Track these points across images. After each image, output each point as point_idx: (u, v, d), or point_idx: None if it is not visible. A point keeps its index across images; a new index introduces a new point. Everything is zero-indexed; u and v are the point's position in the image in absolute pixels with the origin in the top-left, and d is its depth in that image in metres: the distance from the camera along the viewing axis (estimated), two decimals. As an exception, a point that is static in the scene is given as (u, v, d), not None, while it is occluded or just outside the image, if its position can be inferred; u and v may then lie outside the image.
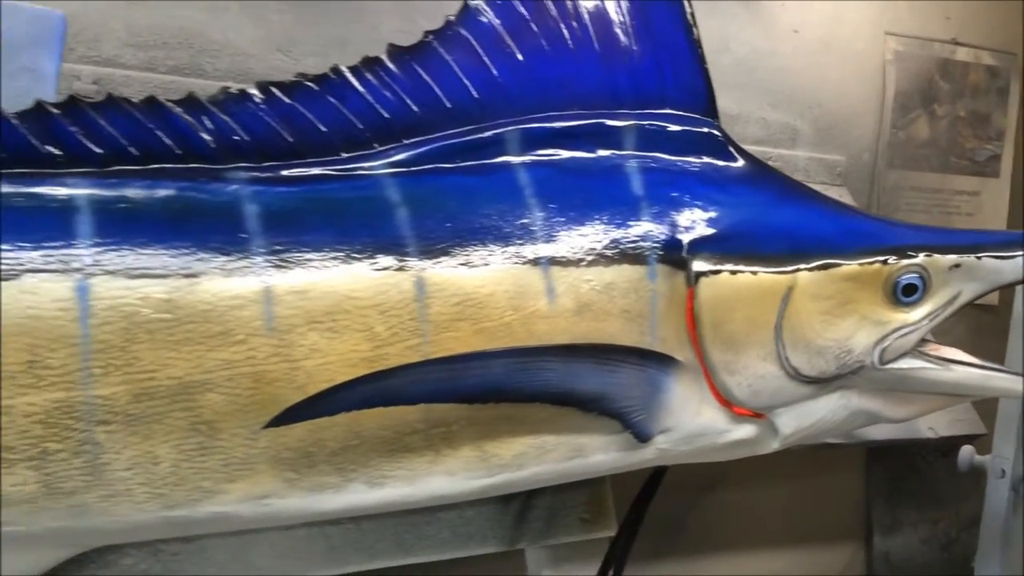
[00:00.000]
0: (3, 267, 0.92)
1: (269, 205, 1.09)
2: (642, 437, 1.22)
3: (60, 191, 1.00)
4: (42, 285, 0.93)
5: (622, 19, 1.30)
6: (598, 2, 1.29)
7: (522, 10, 1.26)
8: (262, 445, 1.03)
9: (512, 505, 1.41)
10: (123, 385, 0.96)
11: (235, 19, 2.25)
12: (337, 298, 1.05)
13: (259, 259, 1.03)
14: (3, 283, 0.92)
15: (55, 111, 1.04)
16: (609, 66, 1.30)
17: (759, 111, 2.24)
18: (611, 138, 1.29)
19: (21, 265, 0.93)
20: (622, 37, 1.29)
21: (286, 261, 1.05)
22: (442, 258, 1.11)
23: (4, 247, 0.93)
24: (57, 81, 1.29)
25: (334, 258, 1.07)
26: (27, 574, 1.05)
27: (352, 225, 1.11)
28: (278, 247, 1.05)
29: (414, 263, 1.10)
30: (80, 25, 2.07)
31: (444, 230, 1.14)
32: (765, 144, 2.21)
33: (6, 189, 0.99)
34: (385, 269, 1.08)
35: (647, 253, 1.21)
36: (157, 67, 2.15)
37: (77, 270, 0.95)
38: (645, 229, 1.22)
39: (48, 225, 0.97)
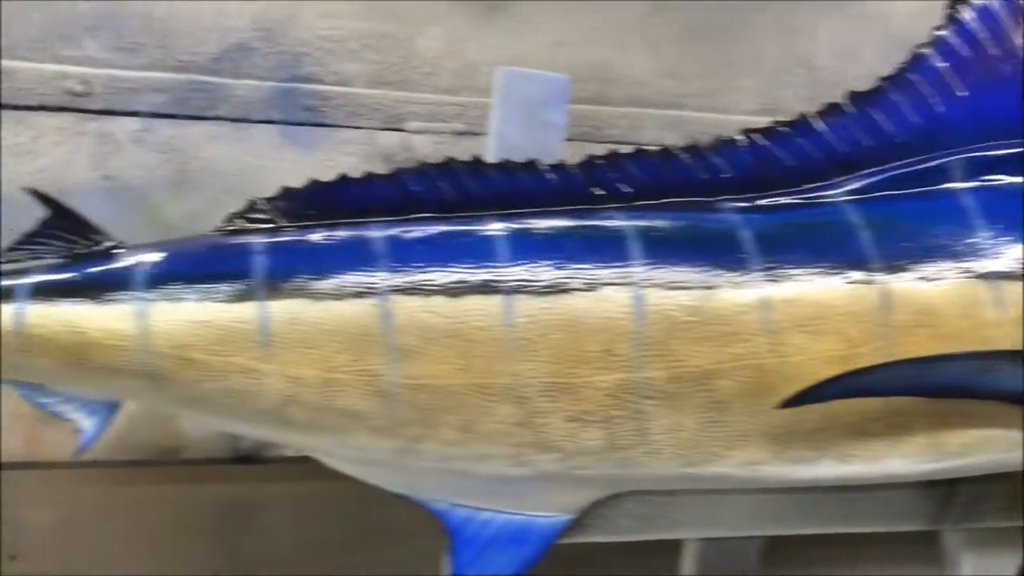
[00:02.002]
0: (585, 281, 1.26)
1: (757, 230, 1.35)
2: None
3: (611, 223, 1.33)
4: (613, 295, 1.26)
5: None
6: (1037, 38, 1.42)
7: (966, 52, 1.42)
8: (757, 422, 1.30)
9: (937, 489, 1.58)
10: (664, 370, 1.26)
11: (636, 52, 2.58)
12: (818, 306, 1.29)
13: (756, 274, 1.30)
14: (588, 293, 1.25)
15: (599, 161, 1.38)
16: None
17: None
18: None
19: (599, 280, 1.26)
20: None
21: (777, 276, 1.30)
22: (902, 273, 1.31)
23: (584, 267, 1.27)
24: (564, 132, 1.63)
25: (813, 273, 1.31)
26: (575, 508, 1.41)
27: (824, 245, 1.34)
28: (770, 264, 1.31)
29: (879, 277, 1.31)
30: (513, 66, 2.49)
31: (902, 249, 1.33)
32: None
33: (569, 223, 1.33)
34: (855, 283, 1.30)
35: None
36: (573, 98, 2.54)
37: (633, 283, 1.27)
38: (1086, 246, 1.34)
39: (610, 249, 1.29)
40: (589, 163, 1.38)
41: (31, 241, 1.26)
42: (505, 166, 1.35)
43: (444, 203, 1.33)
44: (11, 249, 1.26)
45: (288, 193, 1.31)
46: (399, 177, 1.33)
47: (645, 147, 1.42)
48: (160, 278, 1.22)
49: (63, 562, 2.43)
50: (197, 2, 2.32)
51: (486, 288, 1.23)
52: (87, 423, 1.28)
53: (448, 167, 1.33)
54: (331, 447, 1.30)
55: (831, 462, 1.34)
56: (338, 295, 1.22)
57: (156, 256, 1.25)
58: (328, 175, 2.31)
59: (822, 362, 1.28)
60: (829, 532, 1.56)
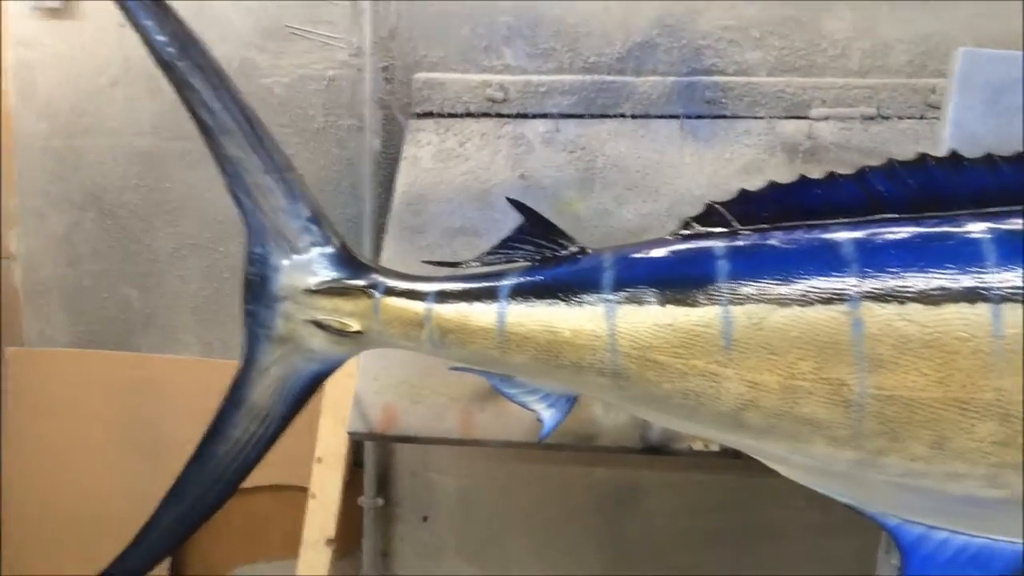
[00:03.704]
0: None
1: None
2: None
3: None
4: None
5: None
6: None
7: None
8: None
9: None
10: None
11: None
12: None
13: None
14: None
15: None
16: None
17: None
18: None
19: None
20: None
21: None
22: None
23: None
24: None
25: None
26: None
27: None
28: None
29: None
30: (933, 43, 2.30)
31: None
32: None
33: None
34: None
35: None
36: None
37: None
38: None
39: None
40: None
41: (506, 245, 1.37)
42: (988, 159, 1.23)
43: (914, 202, 1.25)
44: (489, 253, 1.38)
45: (745, 196, 1.30)
46: (864, 176, 1.26)
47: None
48: (626, 281, 1.27)
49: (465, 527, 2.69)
50: (607, 2, 2.42)
51: (970, 296, 1.14)
52: (547, 414, 1.37)
53: (922, 163, 1.25)
54: (785, 454, 1.28)
55: None
56: (805, 301, 1.19)
57: (621, 259, 1.30)
58: (728, 167, 2.32)
59: None
60: None
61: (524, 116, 2.43)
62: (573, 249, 1.36)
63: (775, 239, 1.25)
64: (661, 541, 2.61)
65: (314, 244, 1.41)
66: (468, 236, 2.24)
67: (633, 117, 2.40)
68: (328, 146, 2.60)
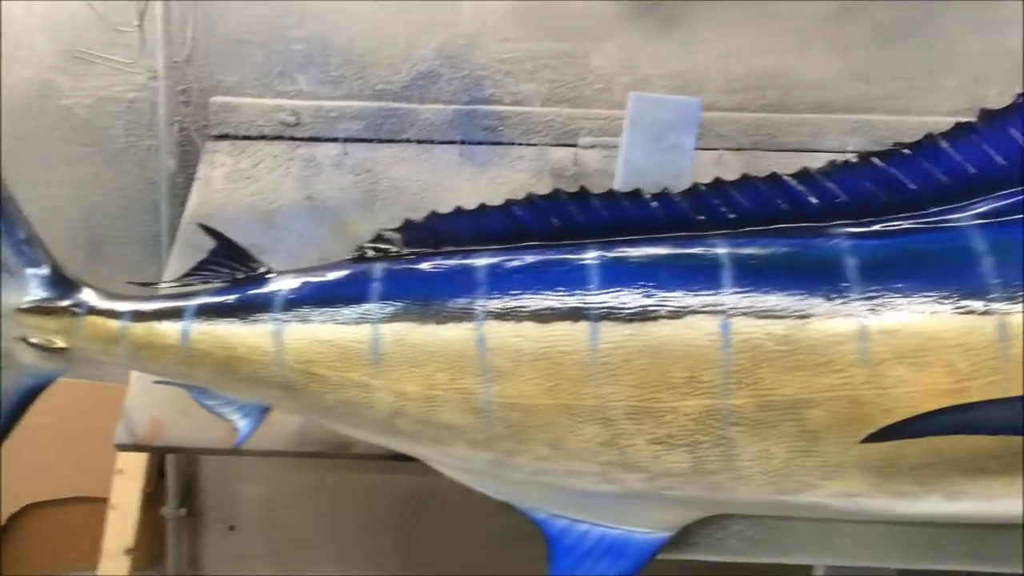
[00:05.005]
0: (672, 308, 1.30)
1: (865, 257, 1.31)
2: None
3: (708, 251, 1.35)
4: (699, 323, 1.29)
5: None
6: None
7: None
8: (853, 453, 1.27)
9: (1091, 535, 1.45)
10: (751, 398, 1.27)
11: (818, 57, 2.51)
12: (924, 338, 1.24)
13: (857, 303, 1.27)
14: (674, 320, 1.29)
15: (704, 188, 1.40)
16: None
17: None
18: None
19: (686, 308, 1.30)
20: None
21: (879, 305, 1.27)
22: None
23: (673, 294, 1.31)
24: (692, 154, 1.66)
25: (922, 303, 1.26)
26: (671, 527, 1.44)
27: (940, 273, 1.28)
28: (872, 293, 1.27)
29: (997, 307, 1.23)
30: (687, 79, 2.52)
31: None
32: None
33: (665, 251, 1.37)
34: (969, 313, 1.24)
35: None
36: (748, 107, 2.52)
37: (722, 312, 1.29)
38: None
39: (701, 277, 1.32)
40: (694, 191, 1.40)
41: (202, 267, 1.50)
42: (610, 195, 1.41)
43: (552, 232, 1.42)
44: (186, 275, 1.50)
45: (410, 224, 1.46)
46: (509, 208, 1.43)
47: (753, 176, 1.41)
48: (295, 301, 1.41)
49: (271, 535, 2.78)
50: (393, 32, 2.57)
51: (574, 314, 1.31)
52: (242, 423, 1.50)
53: (555, 197, 1.42)
54: (437, 456, 1.43)
55: (939, 499, 1.29)
56: (440, 319, 1.34)
57: (295, 281, 1.44)
58: (500, 191, 2.48)
59: (926, 396, 1.23)
60: (960, 570, 1.48)
61: (316, 140, 2.56)
62: (261, 271, 1.49)
63: (425, 263, 1.41)
64: (455, 542, 2.76)
65: (27, 265, 1.51)
66: (251, 254, 2.34)
67: (418, 142, 2.56)
68: (129, 166, 2.68)
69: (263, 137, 2.57)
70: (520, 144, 2.53)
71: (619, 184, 1.60)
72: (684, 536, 1.50)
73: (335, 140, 2.55)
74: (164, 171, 2.61)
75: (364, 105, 2.57)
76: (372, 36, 2.58)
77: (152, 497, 2.71)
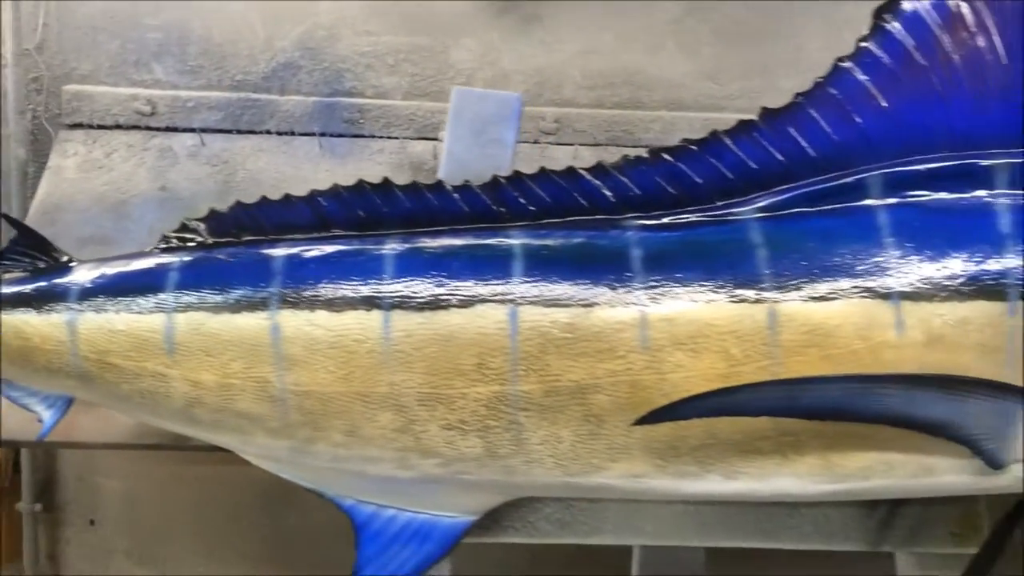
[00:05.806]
0: (462, 298, 1.33)
1: (650, 248, 1.36)
2: (994, 464, 1.29)
3: (502, 241, 1.39)
4: (488, 312, 1.33)
5: (995, 61, 1.34)
6: (970, 46, 1.34)
7: (891, 63, 1.37)
8: (637, 436, 1.33)
9: (879, 509, 1.54)
10: (538, 384, 1.32)
11: (670, 56, 2.58)
12: (699, 325, 1.30)
13: (639, 292, 1.33)
14: (464, 309, 1.33)
15: (504, 181, 1.44)
16: (981, 108, 1.35)
17: None
18: (982, 178, 1.34)
19: (476, 297, 1.33)
20: (994, 78, 1.34)
21: (659, 294, 1.32)
22: (794, 292, 1.30)
23: (464, 284, 1.34)
24: (514, 149, 1.70)
25: (699, 291, 1.32)
26: (476, 511, 1.48)
27: (717, 264, 1.34)
28: (653, 283, 1.33)
29: (768, 296, 1.30)
30: (546, 75, 2.56)
31: (799, 267, 1.31)
32: None
33: (461, 241, 1.40)
34: (742, 301, 1.31)
35: (1008, 289, 1.27)
36: (604, 103, 2.57)
37: (511, 300, 1.33)
38: (1007, 266, 1.27)
39: (493, 267, 1.36)
40: (495, 184, 1.44)
41: (3, 257, 1.47)
42: (413, 187, 1.44)
43: (356, 222, 1.44)
44: (-17, 265, 1.48)
45: (215, 214, 1.46)
46: (315, 198, 1.44)
47: (552, 169, 1.46)
48: (91, 291, 1.41)
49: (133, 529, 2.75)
50: (252, 22, 2.55)
51: (367, 303, 1.33)
52: (47, 414, 1.49)
53: (360, 188, 1.44)
54: (240, 445, 1.44)
55: (718, 478, 1.35)
56: (235, 308, 1.35)
57: (94, 271, 1.43)
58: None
59: (702, 380, 1.29)
60: (756, 547, 1.56)
61: (173, 130, 2.53)
62: (63, 260, 1.48)
63: (223, 253, 1.42)
64: (319, 532, 2.77)
65: None
66: (98, 245, 2.30)
67: (278, 134, 2.54)
68: (-20, 155, 2.61)
69: (118, 126, 2.53)
70: (381, 137, 2.54)
71: (442, 176, 1.63)
72: (496, 519, 1.54)
73: (192, 130, 2.52)
74: (14, 160, 2.54)
75: (222, 96, 2.54)
76: (231, 26, 2.56)
77: (7, 492, 2.65)
